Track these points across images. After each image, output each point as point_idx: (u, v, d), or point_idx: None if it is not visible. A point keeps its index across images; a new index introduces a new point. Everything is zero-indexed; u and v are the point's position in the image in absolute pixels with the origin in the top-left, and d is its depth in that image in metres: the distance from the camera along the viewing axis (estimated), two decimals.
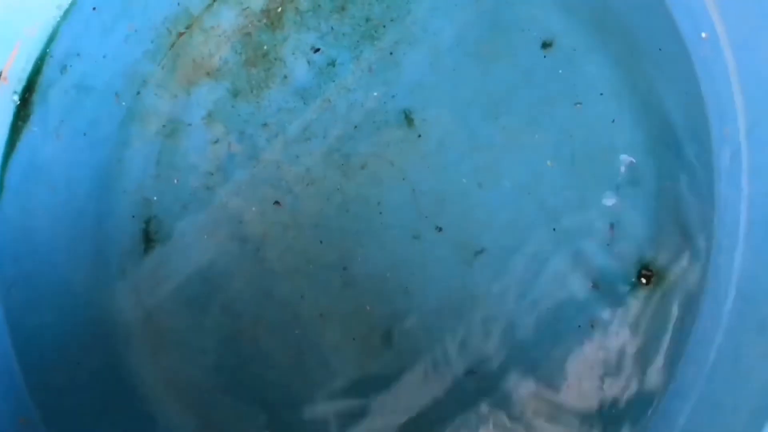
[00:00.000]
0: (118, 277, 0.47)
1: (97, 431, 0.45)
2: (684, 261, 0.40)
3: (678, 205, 0.41)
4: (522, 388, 0.42)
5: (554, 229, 0.43)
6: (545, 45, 0.44)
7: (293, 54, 0.47)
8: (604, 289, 0.42)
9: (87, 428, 0.45)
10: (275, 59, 0.47)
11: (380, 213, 0.45)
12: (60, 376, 0.45)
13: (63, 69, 0.47)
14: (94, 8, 0.47)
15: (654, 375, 0.41)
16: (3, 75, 0.45)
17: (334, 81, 0.46)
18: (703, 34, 0.37)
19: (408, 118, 0.45)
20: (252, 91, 0.47)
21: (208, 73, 0.48)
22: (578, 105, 0.43)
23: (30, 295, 0.45)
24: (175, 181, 0.47)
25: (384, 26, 0.46)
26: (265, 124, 0.47)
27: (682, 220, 0.41)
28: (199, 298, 0.46)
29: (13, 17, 0.45)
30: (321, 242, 0.45)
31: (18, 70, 0.46)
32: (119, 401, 0.46)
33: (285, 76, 0.47)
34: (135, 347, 0.46)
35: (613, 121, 0.42)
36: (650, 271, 0.41)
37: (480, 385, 0.43)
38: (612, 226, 0.42)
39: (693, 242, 0.40)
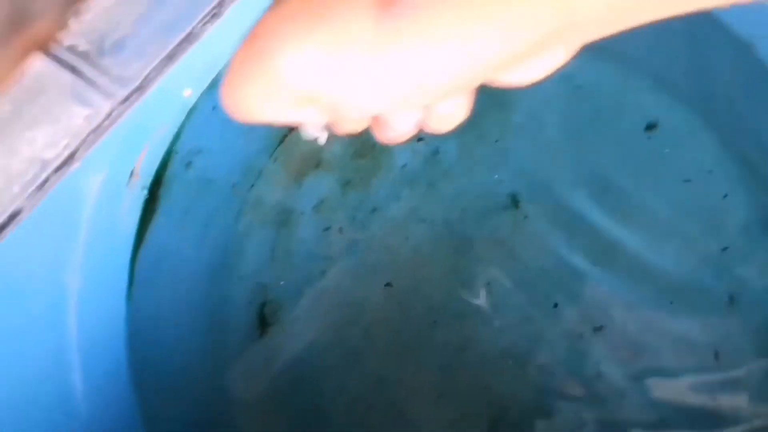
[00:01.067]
0: (235, 359, 0.48)
1: None
2: None
3: None
4: None
5: (671, 303, 0.43)
6: (649, 127, 0.46)
7: (398, 144, 0.50)
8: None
9: None
10: (381, 150, 0.50)
11: (491, 293, 0.46)
12: None
13: (187, 165, 0.50)
14: (213, 107, 0.51)
15: None
16: (135, 171, 0.48)
17: (439, 168, 0.49)
18: None
19: (514, 201, 0.47)
20: (360, 180, 0.50)
21: (317, 165, 0.51)
22: (687, 182, 0.44)
23: (157, 377, 0.47)
24: (290, 266, 0.49)
25: (487, 115, 0.49)
26: (374, 210, 0.49)
27: None
28: (311, 380, 0.47)
29: (144, 120, 0.49)
30: (434, 323, 0.46)
31: (147, 166, 0.49)
32: None
33: (391, 165, 0.50)
34: (247, 427, 0.47)
35: (725, 196, 0.43)
36: None
37: None
38: (732, 298, 0.42)
39: None
